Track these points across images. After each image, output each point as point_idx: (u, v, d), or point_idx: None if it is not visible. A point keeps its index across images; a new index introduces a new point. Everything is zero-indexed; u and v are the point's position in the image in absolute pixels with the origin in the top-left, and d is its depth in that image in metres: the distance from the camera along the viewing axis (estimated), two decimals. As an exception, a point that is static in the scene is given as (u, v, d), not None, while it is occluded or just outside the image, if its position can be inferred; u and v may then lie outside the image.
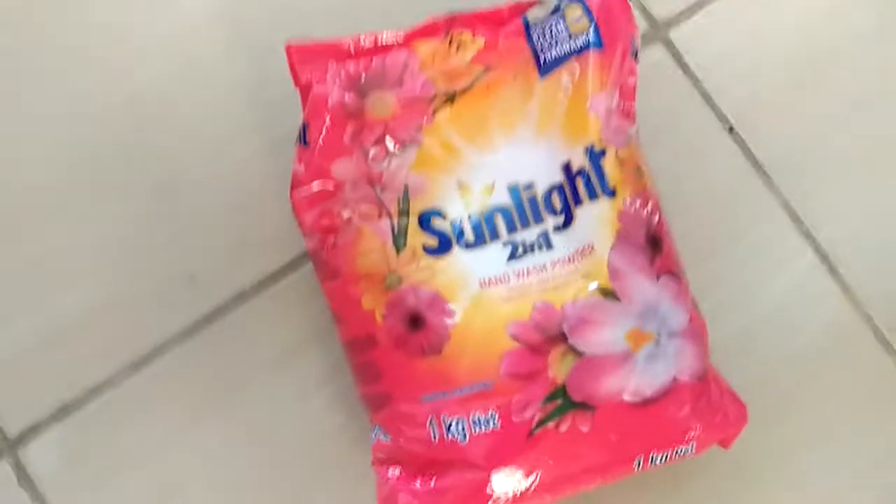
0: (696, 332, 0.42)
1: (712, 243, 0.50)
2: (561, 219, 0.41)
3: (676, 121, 0.51)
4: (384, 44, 0.42)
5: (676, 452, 0.40)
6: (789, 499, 0.48)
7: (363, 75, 0.42)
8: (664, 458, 0.40)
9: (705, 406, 0.41)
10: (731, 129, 0.51)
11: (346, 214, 0.42)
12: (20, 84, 0.49)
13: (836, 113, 0.52)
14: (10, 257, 0.47)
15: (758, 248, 0.50)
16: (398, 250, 0.41)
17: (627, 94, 0.44)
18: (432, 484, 0.40)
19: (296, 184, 0.42)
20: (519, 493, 0.39)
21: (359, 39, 0.42)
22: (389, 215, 0.41)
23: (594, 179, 0.41)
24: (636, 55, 0.45)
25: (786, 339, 0.49)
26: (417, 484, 0.40)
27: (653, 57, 0.52)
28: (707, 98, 0.52)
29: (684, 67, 0.52)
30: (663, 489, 0.47)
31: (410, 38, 0.42)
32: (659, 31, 0.53)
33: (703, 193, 0.50)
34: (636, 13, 0.52)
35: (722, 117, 0.52)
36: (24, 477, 0.45)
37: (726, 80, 0.52)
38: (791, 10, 0.53)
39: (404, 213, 0.41)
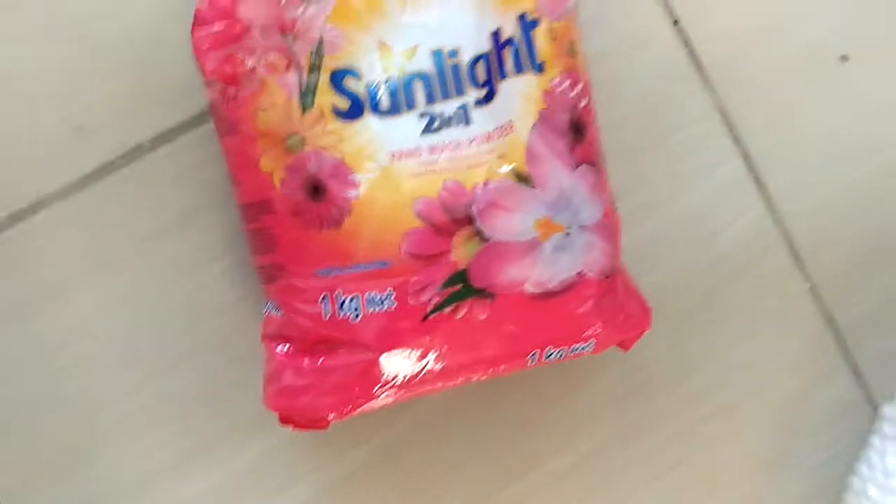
0: (608, 228, 0.40)
1: (639, 139, 0.47)
2: (483, 92, 0.38)
3: (619, 5, 0.48)
4: None
5: (573, 349, 0.39)
6: (683, 409, 0.48)
7: None
8: (561, 355, 0.39)
9: (609, 305, 0.40)
10: (676, 22, 0.48)
11: (250, 63, 0.38)
12: None
13: (783, 22, 0.49)
14: None
15: (685, 149, 0.48)
16: (304, 109, 0.37)
17: (570, -33, 0.41)
18: (320, 362, 0.38)
19: (198, 22, 0.38)
20: (409, 377, 0.37)
21: None
22: (299, 68, 0.37)
23: (523, 51, 0.38)
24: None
25: (701, 249, 0.48)
26: (305, 362, 0.38)
27: (605, -70, 0.48)
28: (655, -16, 0.49)
29: (636, -52, 0.49)
30: (557, 387, 0.46)
31: None
32: None
33: (637, 85, 0.47)
34: None
35: (669, 8, 0.48)
36: None
37: (678, -31, 0.49)
38: None
39: (315, 68, 0.37)
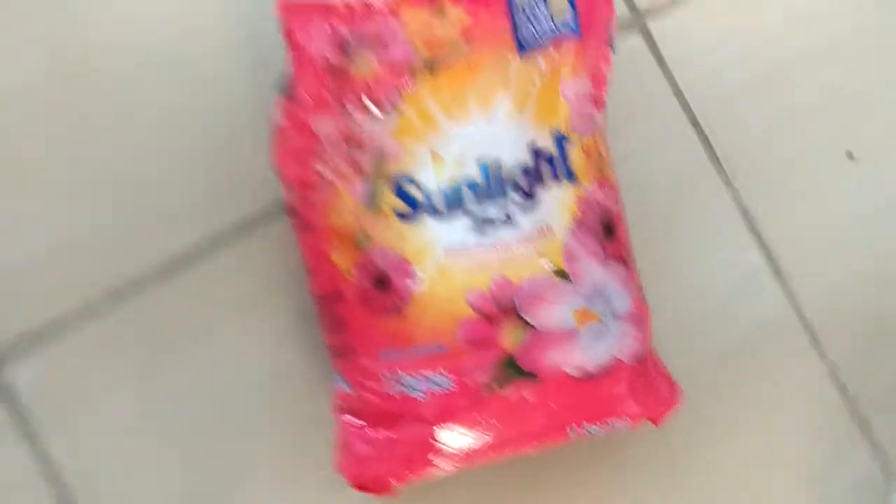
0: (639, 317, 0.45)
1: (664, 233, 0.52)
2: (524, 198, 0.43)
3: (644, 109, 0.53)
4: (373, 7, 0.43)
5: (610, 424, 0.44)
6: (709, 480, 0.52)
7: (350, 35, 0.43)
8: (597, 430, 0.44)
9: (641, 385, 0.44)
10: (695, 123, 0.54)
11: (322, 171, 0.44)
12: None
13: (791, 117, 0.55)
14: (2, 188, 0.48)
15: (707, 242, 0.53)
16: (370, 211, 0.43)
17: (599, 81, 0.46)
18: (385, 434, 0.43)
19: (276, 135, 0.44)
20: (464, 449, 0.42)
21: (350, 1, 0.43)
22: (364, 177, 0.43)
23: (558, 163, 0.44)
24: (612, 46, 0.47)
25: (724, 332, 0.52)
26: (372, 433, 0.43)
27: (630, 43, 0.54)
28: (676, 90, 0.54)
29: (658, 58, 0.54)
30: (589, 457, 0.51)
31: (399, 4, 0.43)
32: (639, 18, 0.54)
33: (661, 183, 0.53)
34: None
35: (688, 110, 0.54)
36: (7, 400, 0.46)
37: (697, 74, 0.54)
38: (768, 12, 0.56)
39: (378, 176, 0.43)
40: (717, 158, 0.54)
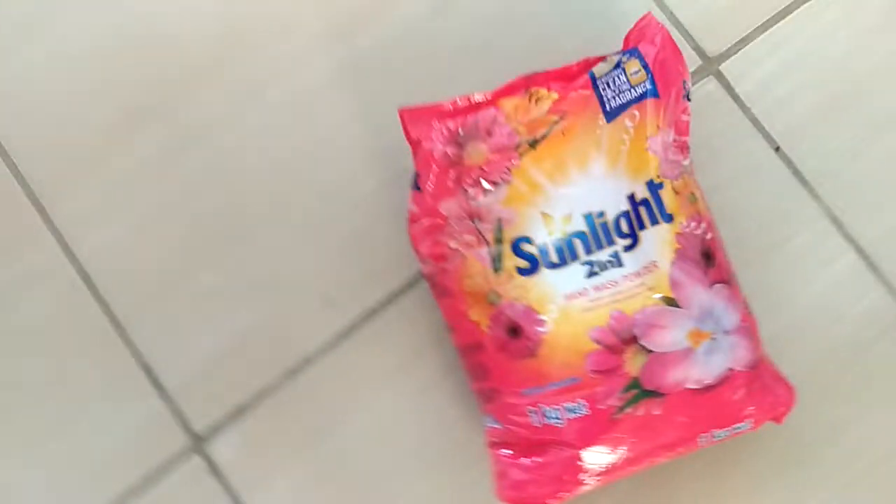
0: (747, 329, 0.50)
1: (764, 249, 0.58)
2: (629, 241, 0.50)
3: (728, 143, 0.59)
4: (476, 103, 0.52)
5: (735, 429, 0.49)
6: (838, 470, 0.55)
7: (460, 130, 0.51)
8: (725, 434, 0.49)
9: (758, 389, 0.50)
10: (777, 149, 0.59)
11: (452, 244, 0.52)
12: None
13: (870, 129, 0.59)
14: (187, 286, 0.59)
15: (804, 251, 0.58)
16: (496, 272, 0.50)
17: (681, 130, 0.53)
18: (536, 461, 0.50)
19: (412, 220, 0.53)
20: (606, 466, 0.48)
21: (455, 101, 0.52)
22: (487, 243, 0.51)
23: (655, 207, 0.50)
24: (688, 96, 0.53)
25: (831, 330, 0.57)
26: (524, 461, 0.50)
27: (706, 89, 0.60)
28: (755, 122, 0.60)
29: (734, 96, 0.60)
30: (724, 465, 0.55)
31: (497, 97, 0.51)
32: (711, 64, 0.60)
33: (754, 206, 0.58)
34: (690, 51, 0.60)
35: (769, 138, 0.59)
36: (213, 468, 0.56)
37: (772, 104, 0.60)
38: (829, 39, 0.60)
39: (499, 241, 0.51)
40: (803, 177, 0.59)
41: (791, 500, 0.55)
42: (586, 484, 0.49)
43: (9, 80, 0.60)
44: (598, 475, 0.49)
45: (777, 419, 0.51)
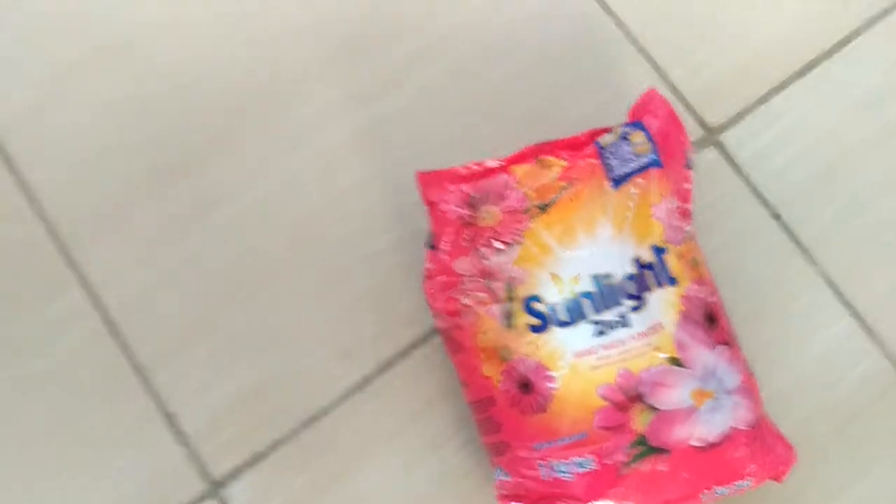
0: (748, 389, 0.53)
1: (762, 313, 0.60)
2: (635, 302, 0.52)
3: (729, 210, 0.62)
4: (489, 168, 0.54)
5: (737, 486, 0.51)
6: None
7: (474, 193, 0.54)
8: (727, 491, 0.51)
9: (759, 448, 0.51)
10: (777, 217, 0.62)
11: (466, 301, 0.54)
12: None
13: (864, 196, 0.62)
14: (209, 336, 0.61)
15: (802, 315, 0.60)
16: (508, 328, 0.53)
17: (684, 197, 0.55)
18: (545, 513, 0.51)
19: (427, 277, 0.55)
20: (612, 520, 0.50)
21: (470, 166, 0.55)
22: (499, 301, 0.53)
23: (659, 271, 0.53)
24: (691, 166, 0.56)
25: (829, 392, 0.59)
26: (533, 514, 0.52)
27: (707, 158, 0.63)
28: (755, 190, 0.63)
29: (734, 165, 0.63)
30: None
31: (509, 163, 0.54)
32: (712, 135, 0.64)
33: (754, 270, 0.61)
34: (692, 122, 0.64)
35: (768, 206, 0.62)
36: (226, 514, 0.58)
37: (770, 172, 0.63)
38: (824, 112, 0.64)
39: (511, 299, 0.53)
40: (801, 243, 0.61)
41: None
42: (593, 537, 0.50)
43: (43, 133, 0.63)
44: (605, 529, 0.50)
45: (777, 478, 0.53)
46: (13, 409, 0.59)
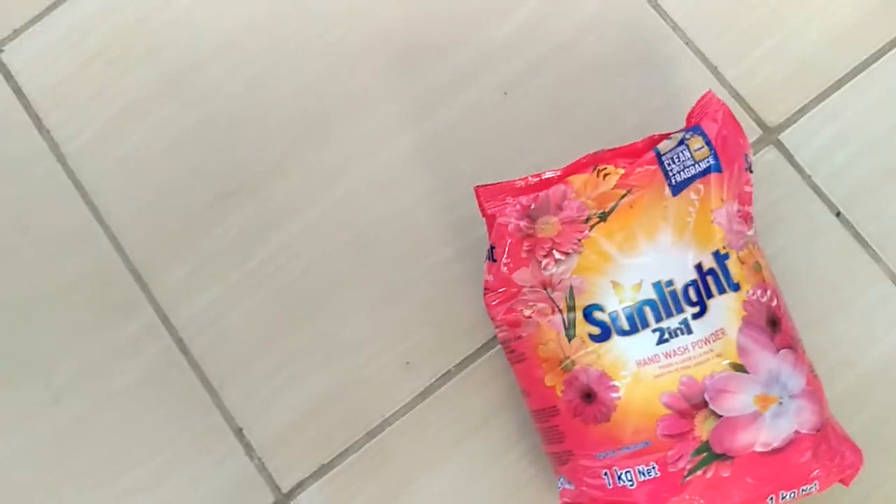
0: (813, 392, 0.52)
1: (826, 312, 0.60)
2: (697, 309, 0.52)
3: (790, 210, 0.62)
4: (546, 179, 0.55)
5: (802, 490, 0.51)
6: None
7: (532, 205, 0.55)
8: (792, 496, 0.51)
9: (825, 452, 0.51)
10: (838, 214, 0.61)
11: (526, 312, 0.55)
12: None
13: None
14: (274, 351, 0.63)
15: (867, 313, 0.59)
16: (569, 339, 0.53)
17: (745, 200, 0.55)
18: (610, 520, 0.52)
19: (487, 290, 0.56)
20: (678, 526, 0.50)
21: (527, 178, 0.55)
22: (560, 311, 0.54)
23: (721, 277, 0.52)
24: (751, 168, 0.56)
25: (895, 390, 0.58)
26: (598, 521, 0.52)
27: (767, 158, 0.63)
28: (816, 188, 0.62)
29: (794, 164, 0.62)
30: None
31: (566, 174, 0.55)
32: (771, 135, 0.63)
33: (817, 269, 0.60)
34: (750, 122, 0.63)
35: (830, 204, 0.61)
36: (296, 523, 0.60)
37: (831, 171, 0.62)
38: (883, 109, 0.63)
39: (571, 308, 0.53)
40: (864, 240, 0.61)
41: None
42: (659, 544, 0.51)
43: (113, 162, 0.66)
44: (671, 535, 0.50)
45: (844, 481, 0.52)
46: (92, 426, 0.61)
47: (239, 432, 0.61)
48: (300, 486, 0.60)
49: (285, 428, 0.61)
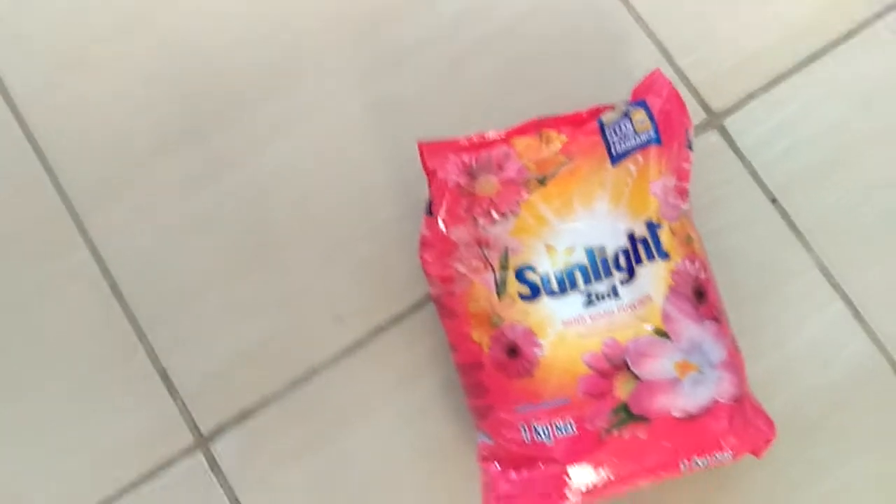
0: (733, 365, 0.53)
1: (756, 294, 0.61)
2: (626, 275, 0.53)
3: (728, 194, 0.63)
4: (490, 140, 0.55)
5: (716, 457, 0.51)
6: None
7: (474, 163, 0.55)
8: (705, 462, 0.51)
9: (740, 422, 0.52)
10: (774, 201, 0.62)
11: (460, 268, 0.55)
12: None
13: (863, 188, 0.62)
14: (207, 297, 0.62)
15: (794, 299, 0.61)
16: (499, 296, 0.54)
17: (682, 176, 0.56)
18: (524, 475, 0.52)
19: (423, 244, 0.56)
20: (591, 484, 0.51)
21: (471, 137, 0.55)
22: (493, 269, 0.54)
23: (652, 245, 0.53)
24: (691, 146, 0.57)
25: (817, 374, 0.59)
26: (513, 475, 0.52)
27: (709, 140, 0.64)
28: (754, 174, 0.63)
29: (736, 150, 0.64)
30: (714, 493, 0.58)
31: (510, 136, 0.55)
32: (715, 119, 0.64)
33: (749, 253, 0.61)
34: (696, 105, 0.64)
35: (766, 190, 0.63)
36: (214, 466, 0.59)
37: (772, 158, 0.63)
38: (828, 102, 0.64)
39: (504, 267, 0.54)
40: (797, 228, 0.62)
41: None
42: (570, 501, 0.51)
43: (59, 103, 0.65)
44: (583, 493, 0.51)
45: (756, 452, 0.53)
46: (15, 358, 0.61)
47: (164, 373, 0.60)
48: (220, 430, 0.60)
49: (210, 373, 0.60)
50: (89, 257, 0.62)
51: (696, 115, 0.63)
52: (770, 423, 0.54)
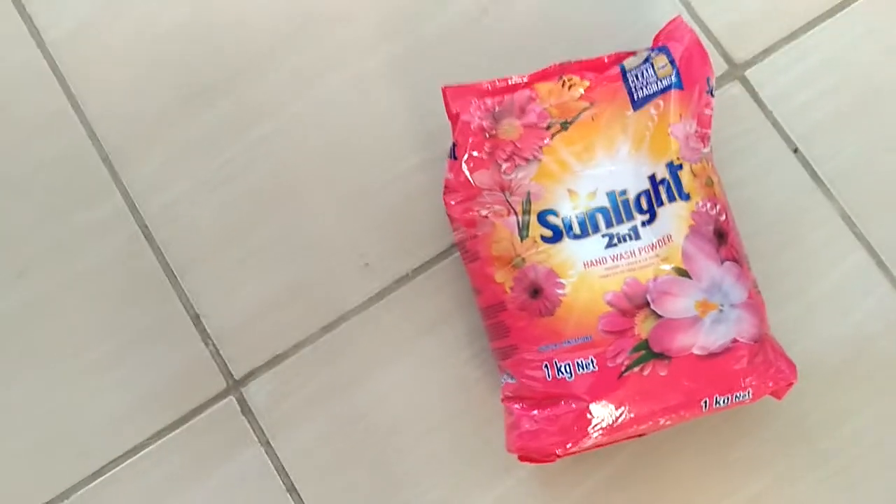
0: (753, 305, 0.54)
1: (778, 243, 0.61)
2: (647, 216, 0.53)
3: (750, 143, 0.63)
4: (512, 84, 0.56)
5: (736, 397, 0.52)
6: (840, 450, 0.58)
7: (497, 107, 0.56)
8: (726, 402, 0.52)
9: (760, 362, 0.52)
10: (796, 150, 0.63)
11: (483, 212, 0.56)
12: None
13: (885, 138, 0.62)
14: (239, 244, 0.63)
15: (816, 248, 0.61)
16: (522, 239, 0.54)
17: (703, 122, 0.57)
18: (547, 412, 0.53)
19: (447, 189, 0.57)
20: (612, 420, 0.52)
21: (494, 81, 0.56)
22: (516, 213, 0.55)
23: (673, 187, 0.54)
24: (712, 92, 0.57)
25: (838, 323, 0.60)
26: (536, 413, 0.53)
27: (731, 92, 0.64)
28: (776, 124, 0.63)
29: (757, 100, 0.64)
30: (734, 434, 0.58)
31: (532, 80, 0.56)
32: (737, 70, 0.64)
33: (771, 203, 0.62)
34: (718, 57, 0.64)
35: (788, 140, 0.63)
36: (246, 410, 0.61)
37: (793, 109, 0.63)
38: (852, 52, 0.64)
39: (527, 212, 0.55)
40: (819, 178, 0.62)
41: (787, 475, 0.58)
42: (592, 437, 0.52)
43: (93, 52, 0.66)
44: (604, 430, 0.52)
45: (777, 394, 0.54)
46: (53, 304, 0.62)
47: (196, 319, 0.62)
48: (252, 374, 0.61)
49: (242, 318, 0.62)
50: (122, 205, 0.64)
51: (717, 66, 0.64)
52: (792, 367, 0.54)
